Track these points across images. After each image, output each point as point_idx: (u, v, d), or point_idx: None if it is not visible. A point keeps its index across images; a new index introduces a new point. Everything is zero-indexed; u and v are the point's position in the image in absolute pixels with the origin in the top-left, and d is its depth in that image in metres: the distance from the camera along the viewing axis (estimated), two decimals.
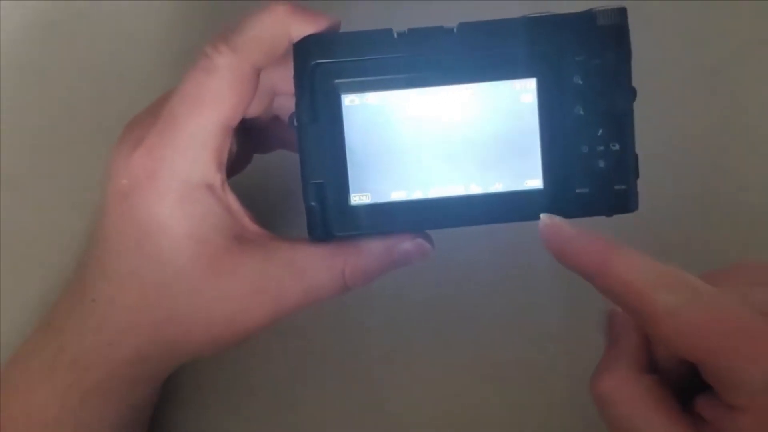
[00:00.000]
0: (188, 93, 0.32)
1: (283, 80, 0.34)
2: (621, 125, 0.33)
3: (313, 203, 0.33)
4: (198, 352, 0.34)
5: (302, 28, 0.32)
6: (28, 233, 0.42)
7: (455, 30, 0.33)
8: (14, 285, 0.42)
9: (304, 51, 0.33)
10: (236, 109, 0.32)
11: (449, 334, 0.43)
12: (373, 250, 0.34)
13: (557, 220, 0.32)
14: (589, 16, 0.33)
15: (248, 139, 0.37)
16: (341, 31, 0.34)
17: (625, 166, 0.33)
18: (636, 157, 0.34)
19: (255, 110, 0.36)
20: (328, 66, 0.33)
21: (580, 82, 0.33)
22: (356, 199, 0.33)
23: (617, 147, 0.33)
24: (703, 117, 0.43)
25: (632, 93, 0.33)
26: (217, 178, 0.33)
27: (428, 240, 0.35)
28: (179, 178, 0.32)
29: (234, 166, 0.37)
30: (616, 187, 0.33)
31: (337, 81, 0.33)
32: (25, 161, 0.40)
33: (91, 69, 0.42)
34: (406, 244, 0.34)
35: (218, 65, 0.31)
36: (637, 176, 0.34)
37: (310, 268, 0.33)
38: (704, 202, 0.42)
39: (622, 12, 0.33)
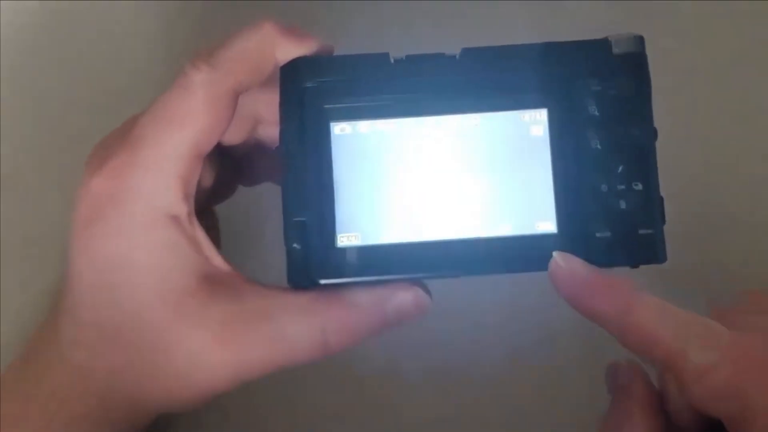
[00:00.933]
0: (158, 112, 0.28)
1: (268, 107, 0.31)
2: (643, 162, 0.30)
3: (294, 244, 0.29)
4: (156, 408, 0.30)
5: (290, 49, 0.29)
6: (28, 233, 0.41)
7: (458, 56, 0.30)
8: (14, 285, 0.40)
9: (291, 74, 0.30)
10: (209, 132, 0.29)
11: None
12: (360, 302, 0.29)
13: (571, 259, 0.28)
14: (604, 44, 0.30)
15: (230, 168, 0.34)
16: (334, 54, 0.31)
17: (651, 208, 0.29)
18: (662, 200, 0.30)
19: (234, 137, 0.32)
20: (316, 91, 0.29)
21: (597, 113, 0.30)
22: (343, 240, 0.29)
23: (640, 187, 0.30)
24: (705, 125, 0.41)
25: (653, 129, 0.30)
26: (183, 209, 0.29)
27: (426, 292, 0.30)
28: (141, 206, 0.28)
29: (213, 197, 0.33)
30: (641, 231, 0.29)
31: (326, 107, 0.29)
32: (25, 161, 0.40)
33: (92, 69, 0.41)
34: (401, 295, 0.29)
35: (194, 82, 0.28)
36: (663, 221, 0.30)
37: (284, 321, 0.29)
38: (710, 213, 0.40)
39: (639, 40, 0.30)
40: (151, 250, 0.28)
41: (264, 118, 0.32)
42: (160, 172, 0.28)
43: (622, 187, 0.29)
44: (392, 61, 0.30)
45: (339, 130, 0.29)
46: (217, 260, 0.30)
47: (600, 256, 0.29)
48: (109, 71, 0.40)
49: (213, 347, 0.28)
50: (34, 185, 0.41)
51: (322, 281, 0.29)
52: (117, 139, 0.29)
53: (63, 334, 0.29)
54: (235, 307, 0.28)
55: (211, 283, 0.29)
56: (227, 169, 0.34)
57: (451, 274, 0.29)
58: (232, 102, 0.29)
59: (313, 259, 0.29)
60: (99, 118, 0.36)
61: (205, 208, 0.33)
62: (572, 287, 0.28)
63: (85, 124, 0.39)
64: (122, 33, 0.42)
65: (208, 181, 0.32)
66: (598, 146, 0.30)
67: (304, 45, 0.29)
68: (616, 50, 0.30)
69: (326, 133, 0.29)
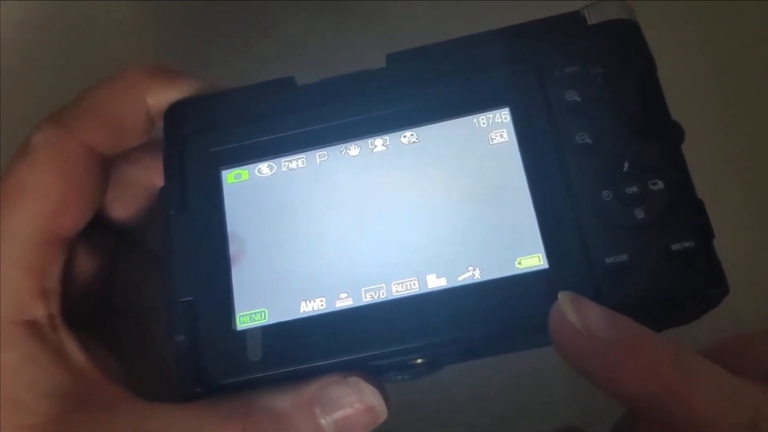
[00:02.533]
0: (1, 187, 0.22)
1: (160, 173, 0.24)
2: (659, 150, 0.20)
3: (179, 336, 0.21)
4: None
5: (163, 93, 0.23)
6: None
7: (384, 65, 0.23)
8: None
9: (173, 120, 0.23)
10: (64, 206, 0.22)
11: None
12: (278, 408, 0.20)
13: (585, 305, 0.19)
14: (574, 17, 0.22)
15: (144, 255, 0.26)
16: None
17: (683, 210, 0.20)
18: (701, 203, 0.20)
19: (128, 215, 0.25)
20: (201, 134, 0.23)
21: (578, 99, 0.21)
22: (245, 320, 0.21)
23: (660, 185, 0.20)
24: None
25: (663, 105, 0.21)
26: (39, 309, 0.22)
27: (376, 385, 0.21)
28: None
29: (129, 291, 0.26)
30: (675, 246, 0.19)
31: (213, 151, 0.22)
32: None
33: (92, 69, 0.36)
34: (335, 391, 0.20)
35: (34, 145, 0.22)
36: (710, 232, 0.20)
37: None
38: None
39: (622, 6, 0.22)
40: None
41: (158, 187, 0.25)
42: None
43: (634, 189, 0.20)
44: (298, 85, 0.23)
45: (233, 177, 0.22)
46: (94, 374, 0.22)
47: (618, 291, 0.19)
48: (109, 71, 0.38)
49: None
50: None
51: (221, 382, 0.20)
52: None
53: None
54: None
55: (77, 405, 0.21)
56: (143, 260, 0.26)
57: (399, 350, 0.20)
58: (93, 166, 0.23)
59: (207, 353, 0.21)
60: None
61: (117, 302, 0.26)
62: (591, 354, 0.19)
63: None
64: (123, 33, 0.39)
65: (92, 269, 0.24)
66: (588, 141, 0.21)
67: (181, 85, 0.23)
68: (592, 20, 0.22)
69: (216, 184, 0.22)
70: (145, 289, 0.26)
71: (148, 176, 0.25)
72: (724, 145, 0.32)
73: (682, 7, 0.35)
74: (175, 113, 0.23)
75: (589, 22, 0.22)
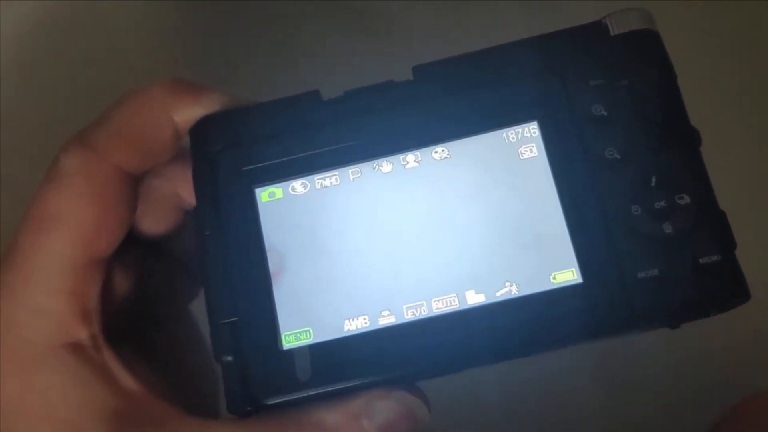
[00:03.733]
0: (32, 215, 0.22)
1: (187, 184, 0.24)
2: (684, 165, 0.21)
3: (226, 356, 0.21)
4: None
5: (189, 110, 0.23)
6: None
7: (411, 78, 0.23)
8: None
9: (200, 137, 0.23)
10: (99, 229, 0.22)
11: None
12: (327, 424, 0.21)
13: None
14: (598, 27, 0.23)
15: (177, 268, 0.27)
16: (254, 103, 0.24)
17: (709, 225, 0.21)
18: (723, 215, 0.21)
19: (158, 227, 0.25)
20: (231, 152, 0.23)
21: (605, 113, 0.22)
22: (291, 339, 0.21)
23: (687, 200, 0.21)
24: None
25: (685, 115, 0.22)
26: (82, 332, 0.22)
27: (416, 394, 0.22)
28: (23, 338, 0.22)
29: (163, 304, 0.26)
30: (703, 260, 0.21)
31: (245, 170, 0.23)
32: (25, 161, 0.36)
33: (93, 69, 0.39)
34: (381, 405, 0.21)
35: (65, 170, 0.22)
36: (733, 243, 0.21)
37: None
38: None
39: (644, 15, 0.23)
40: (43, 394, 0.22)
41: (185, 200, 0.25)
42: (39, 291, 0.22)
43: (662, 203, 0.21)
44: (324, 100, 0.23)
45: (267, 196, 0.22)
46: (140, 392, 0.23)
47: (650, 304, 0.20)
48: (109, 71, 0.38)
49: None
50: (34, 185, 0.39)
51: (270, 401, 0.21)
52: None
53: None
54: None
55: (126, 423, 0.22)
56: (173, 269, 0.27)
57: (442, 366, 0.21)
58: (124, 187, 0.23)
59: (253, 373, 0.21)
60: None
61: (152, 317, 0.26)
62: None
63: (86, 124, 0.37)
64: (123, 32, 0.40)
65: (126, 285, 0.25)
66: (616, 155, 0.22)
67: (206, 101, 0.23)
68: (615, 31, 0.23)
69: (251, 202, 0.22)
70: (176, 297, 0.27)
71: (173, 186, 0.25)
72: (740, 153, 0.33)
73: (696, 7, 0.35)
74: (201, 130, 0.23)
75: (612, 33, 0.23)
